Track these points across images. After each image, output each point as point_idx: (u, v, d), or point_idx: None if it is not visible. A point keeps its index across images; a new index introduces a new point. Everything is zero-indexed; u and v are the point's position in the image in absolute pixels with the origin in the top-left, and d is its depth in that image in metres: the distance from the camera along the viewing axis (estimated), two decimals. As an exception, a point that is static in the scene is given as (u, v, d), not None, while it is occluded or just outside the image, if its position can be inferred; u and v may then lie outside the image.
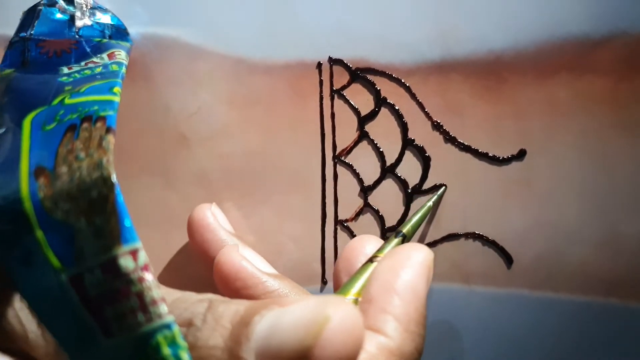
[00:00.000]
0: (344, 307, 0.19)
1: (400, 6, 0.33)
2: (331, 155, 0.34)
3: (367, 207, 0.35)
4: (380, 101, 0.34)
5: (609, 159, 0.34)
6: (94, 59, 0.28)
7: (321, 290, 0.35)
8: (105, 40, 0.30)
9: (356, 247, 0.30)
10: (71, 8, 0.31)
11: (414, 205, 0.35)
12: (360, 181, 0.35)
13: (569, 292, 0.35)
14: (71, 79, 0.26)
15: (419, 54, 0.34)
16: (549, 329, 0.35)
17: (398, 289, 0.25)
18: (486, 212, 0.35)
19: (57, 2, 0.30)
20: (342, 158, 0.34)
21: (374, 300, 0.25)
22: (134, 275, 0.19)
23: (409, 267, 0.25)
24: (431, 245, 0.35)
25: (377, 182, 0.35)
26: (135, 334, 0.19)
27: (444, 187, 0.34)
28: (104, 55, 0.29)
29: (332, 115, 0.34)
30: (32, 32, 0.30)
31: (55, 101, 0.24)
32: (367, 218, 0.35)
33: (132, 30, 0.32)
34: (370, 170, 0.35)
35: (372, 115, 0.34)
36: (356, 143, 0.34)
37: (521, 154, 0.34)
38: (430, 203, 0.34)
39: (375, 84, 0.34)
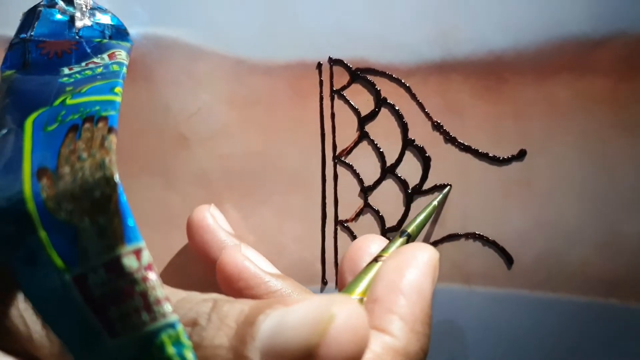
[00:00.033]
0: (349, 305, 0.19)
1: (401, 6, 0.33)
2: (331, 155, 0.34)
3: (367, 207, 0.35)
4: (381, 101, 0.34)
5: (609, 159, 0.34)
6: (95, 60, 0.28)
7: (321, 291, 0.35)
8: (105, 40, 0.30)
9: (361, 246, 0.30)
10: (71, 9, 0.31)
11: (414, 206, 0.35)
12: (361, 181, 0.35)
13: (569, 293, 0.35)
14: (72, 80, 0.26)
15: (419, 54, 0.34)
16: (549, 329, 0.35)
17: (403, 288, 0.25)
18: (486, 213, 0.35)
19: (57, 3, 0.30)
20: (342, 158, 0.34)
21: (379, 300, 0.25)
22: (138, 275, 0.19)
23: (415, 266, 0.25)
24: (432, 245, 0.35)
25: (377, 183, 0.35)
26: (139, 334, 0.19)
27: (448, 187, 0.34)
28: (105, 56, 0.29)
29: (332, 115, 0.34)
30: (32, 33, 0.29)
31: (57, 102, 0.24)
32: (367, 218, 0.35)
33: (132, 30, 0.32)
34: (370, 170, 0.34)
35: (372, 115, 0.34)
36: (356, 143, 0.34)
37: (521, 154, 0.34)
38: (435, 202, 0.34)
39: (375, 84, 0.34)
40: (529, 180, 0.34)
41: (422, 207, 0.34)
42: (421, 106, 0.34)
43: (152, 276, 0.19)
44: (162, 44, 0.33)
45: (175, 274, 0.34)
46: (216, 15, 0.33)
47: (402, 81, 0.34)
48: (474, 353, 0.35)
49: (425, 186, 0.35)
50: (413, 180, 0.35)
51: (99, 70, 0.27)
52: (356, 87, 0.34)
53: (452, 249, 0.35)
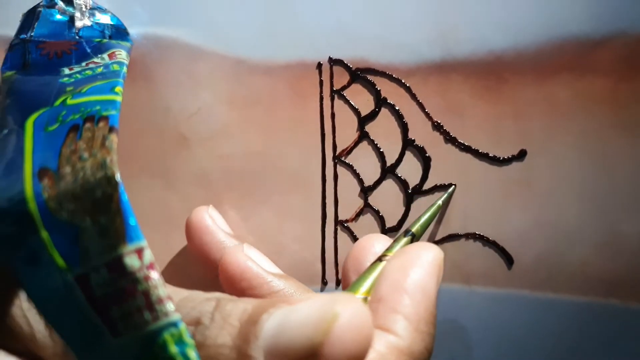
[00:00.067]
0: (352, 304, 0.19)
1: (401, 6, 0.33)
2: (331, 155, 0.34)
3: (367, 207, 0.35)
4: (381, 101, 0.34)
5: (609, 159, 0.34)
6: (95, 59, 0.28)
7: (321, 291, 0.35)
8: (105, 40, 0.30)
9: (365, 246, 0.30)
10: (70, 9, 0.31)
11: (414, 206, 0.35)
12: (361, 181, 0.35)
13: (569, 293, 0.35)
14: (72, 80, 0.26)
15: (419, 54, 0.34)
16: (550, 329, 0.35)
17: (408, 288, 0.25)
18: (486, 213, 0.35)
19: (56, 4, 0.30)
20: (343, 158, 0.34)
21: (383, 299, 0.25)
22: (140, 274, 0.19)
23: (419, 266, 0.25)
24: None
25: (378, 183, 0.35)
26: (142, 333, 0.19)
27: (453, 187, 0.34)
28: (105, 56, 0.29)
29: (332, 115, 0.34)
30: (32, 34, 0.29)
31: (57, 102, 0.24)
32: (368, 218, 0.35)
33: (132, 30, 0.32)
34: (370, 170, 0.34)
35: (373, 115, 0.34)
36: (356, 143, 0.34)
37: (521, 155, 0.34)
38: (440, 202, 0.34)
39: (375, 84, 0.34)
40: (529, 181, 0.34)
41: (423, 207, 0.34)
42: (421, 106, 0.34)
43: (154, 275, 0.19)
44: (162, 44, 0.32)
45: (176, 274, 0.34)
46: (216, 15, 0.33)
47: (402, 81, 0.34)
48: (474, 353, 0.35)
49: (426, 186, 0.35)
50: (413, 181, 0.35)
51: (99, 70, 0.27)
52: (356, 87, 0.34)
53: (452, 249, 0.35)
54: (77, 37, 0.30)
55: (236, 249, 0.31)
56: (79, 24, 0.30)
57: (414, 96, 0.34)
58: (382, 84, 0.34)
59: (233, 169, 0.34)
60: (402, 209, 0.35)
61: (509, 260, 0.35)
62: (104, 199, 0.19)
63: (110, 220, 0.19)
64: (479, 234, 0.35)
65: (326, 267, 0.35)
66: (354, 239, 0.35)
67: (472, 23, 0.33)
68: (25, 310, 0.20)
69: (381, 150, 0.34)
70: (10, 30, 0.30)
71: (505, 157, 0.34)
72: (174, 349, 0.19)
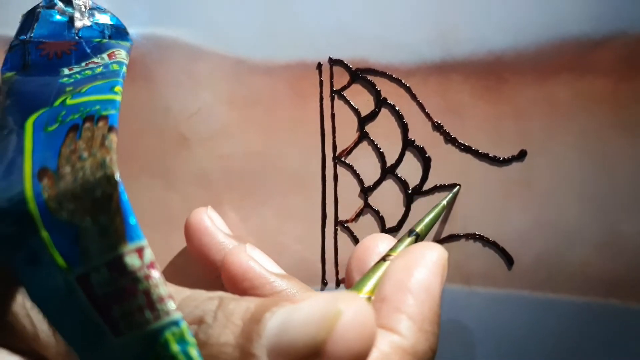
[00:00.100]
0: (355, 302, 0.19)
1: (401, 7, 0.33)
2: (331, 155, 0.34)
3: (367, 207, 0.35)
4: (381, 102, 0.34)
5: (609, 159, 0.34)
6: (95, 60, 0.28)
7: (322, 291, 0.35)
8: (105, 40, 0.30)
9: (369, 245, 0.30)
10: (70, 9, 0.31)
11: (414, 206, 0.35)
12: (361, 182, 0.35)
13: (570, 293, 0.35)
14: (72, 80, 0.26)
15: (419, 54, 0.34)
16: (550, 330, 0.35)
17: (412, 288, 0.25)
18: (486, 213, 0.35)
19: (55, 4, 0.30)
20: (343, 159, 0.34)
21: (387, 299, 0.25)
22: (141, 273, 0.19)
23: (423, 266, 0.25)
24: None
25: (378, 183, 0.35)
26: (143, 332, 0.19)
27: (458, 187, 0.34)
28: (104, 56, 0.29)
29: (333, 115, 0.34)
30: (31, 34, 0.29)
31: (57, 102, 0.24)
32: (368, 219, 0.35)
33: (132, 30, 0.32)
34: (370, 170, 0.34)
35: (373, 115, 0.34)
36: (356, 144, 0.34)
37: (521, 155, 0.34)
38: (444, 202, 0.34)
39: (375, 85, 0.34)
40: (529, 181, 0.34)
41: (423, 207, 0.34)
42: (421, 106, 0.34)
43: (155, 274, 0.19)
44: (162, 44, 0.32)
45: (176, 275, 0.34)
46: (216, 15, 0.33)
47: (402, 81, 0.34)
48: (474, 353, 0.35)
49: (426, 187, 0.35)
50: (413, 181, 0.34)
51: (99, 69, 0.27)
52: (356, 88, 0.34)
53: (453, 250, 0.35)
54: (76, 38, 0.30)
55: (239, 249, 0.31)
56: (78, 24, 0.30)
57: (414, 96, 0.34)
58: (382, 84, 0.34)
59: (233, 169, 0.34)
60: (402, 210, 0.35)
61: (509, 260, 0.35)
62: (103, 199, 0.19)
63: (110, 220, 0.19)
64: (479, 235, 0.35)
65: (326, 267, 0.35)
66: (354, 239, 0.35)
67: (472, 23, 0.33)
68: (28, 310, 0.20)
69: (381, 150, 0.34)
70: (10, 31, 0.30)
71: (506, 158, 0.34)
72: (175, 347, 0.19)
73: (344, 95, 0.34)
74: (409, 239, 0.30)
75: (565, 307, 0.35)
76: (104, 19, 0.31)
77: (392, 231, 0.35)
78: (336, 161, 0.34)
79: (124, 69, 0.27)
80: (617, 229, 0.34)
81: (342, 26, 0.33)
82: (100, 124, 0.21)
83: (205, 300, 0.21)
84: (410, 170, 0.34)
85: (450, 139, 0.34)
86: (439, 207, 0.33)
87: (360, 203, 0.35)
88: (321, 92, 0.34)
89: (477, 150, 0.34)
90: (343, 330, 0.19)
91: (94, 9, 0.31)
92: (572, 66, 0.33)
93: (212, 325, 0.20)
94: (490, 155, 0.34)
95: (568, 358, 0.35)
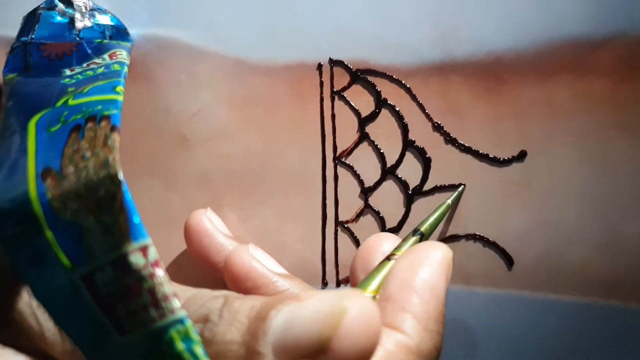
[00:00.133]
0: (360, 299, 0.20)
1: (401, 7, 0.33)
2: (332, 156, 0.34)
3: (367, 208, 0.35)
4: (381, 102, 0.34)
5: (609, 160, 0.34)
6: (96, 60, 0.28)
7: (322, 292, 0.35)
8: (105, 41, 0.30)
9: (373, 245, 0.30)
10: (70, 10, 0.31)
11: (414, 207, 0.35)
12: (361, 182, 0.35)
13: (570, 293, 0.35)
14: (74, 81, 0.26)
15: (419, 55, 0.34)
16: (550, 330, 0.35)
17: (417, 287, 0.25)
18: (487, 213, 0.35)
19: (56, 5, 0.30)
20: (343, 159, 0.34)
21: (392, 298, 0.25)
22: (145, 272, 0.19)
23: (428, 265, 0.25)
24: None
25: (378, 184, 0.35)
26: (148, 330, 0.19)
27: (462, 186, 0.34)
28: (105, 56, 0.29)
29: (333, 116, 0.34)
30: (32, 36, 0.30)
31: (59, 103, 0.24)
32: (368, 219, 0.35)
33: (132, 31, 0.32)
34: (370, 171, 0.34)
35: (373, 116, 0.34)
36: (357, 144, 0.34)
37: (521, 155, 0.34)
38: (449, 201, 0.34)
39: (375, 85, 0.34)
40: (529, 181, 0.34)
41: (423, 208, 0.34)
42: (421, 107, 0.34)
43: (159, 272, 0.19)
44: (163, 44, 0.32)
45: (177, 275, 0.34)
46: (216, 16, 0.33)
47: (403, 82, 0.34)
48: (474, 354, 0.35)
49: (426, 187, 0.35)
50: (413, 181, 0.35)
51: (100, 70, 0.27)
52: (356, 88, 0.34)
53: (453, 250, 0.34)
54: (77, 39, 0.30)
55: (241, 249, 0.31)
56: (79, 25, 0.30)
57: (414, 97, 0.34)
58: (382, 85, 0.34)
59: (233, 170, 0.34)
60: (403, 210, 0.35)
61: (509, 261, 0.35)
62: (107, 198, 0.19)
63: (114, 219, 0.19)
64: (479, 235, 0.35)
65: (326, 268, 0.35)
66: (355, 239, 0.35)
67: (472, 24, 0.33)
68: (34, 309, 0.21)
69: (381, 151, 0.34)
70: (11, 31, 0.30)
71: (506, 158, 0.34)
72: (180, 345, 0.19)
73: (344, 95, 0.34)
74: (413, 238, 0.30)
75: (565, 307, 0.35)
76: (104, 19, 0.31)
77: (393, 232, 0.35)
78: (336, 162, 0.34)
79: (126, 69, 0.27)
80: (617, 229, 0.34)
81: (342, 27, 0.33)
82: (103, 123, 0.21)
83: (210, 298, 0.21)
84: (410, 170, 0.34)
85: (450, 140, 0.34)
86: (444, 206, 0.33)
87: (360, 203, 0.35)
88: (321, 92, 0.34)
89: (477, 151, 0.34)
90: (348, 328, 0.19)
91: (94, 10, 0.31)
92: (572, 67, 0.33)
93: (217, 324, 0.20)
94: (491, 155, 0.34)
95: (568, 358, 0.35)
